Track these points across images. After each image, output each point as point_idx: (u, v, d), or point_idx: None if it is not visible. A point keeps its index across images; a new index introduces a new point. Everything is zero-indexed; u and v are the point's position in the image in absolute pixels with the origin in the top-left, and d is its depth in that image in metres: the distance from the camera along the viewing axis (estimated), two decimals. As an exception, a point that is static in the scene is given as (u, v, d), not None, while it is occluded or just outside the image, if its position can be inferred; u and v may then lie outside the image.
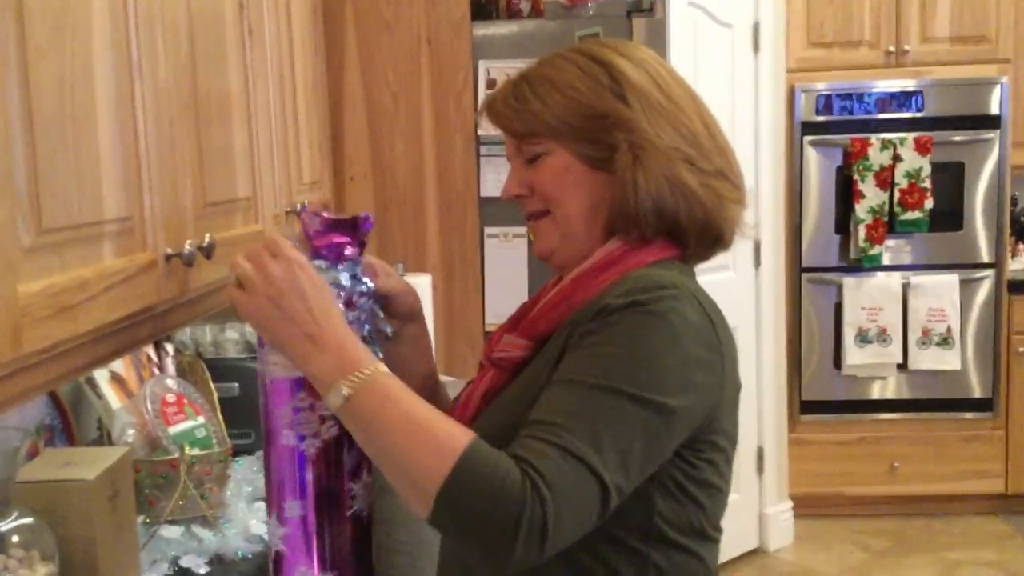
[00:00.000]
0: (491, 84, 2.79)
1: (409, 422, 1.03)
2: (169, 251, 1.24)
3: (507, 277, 2.84)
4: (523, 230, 2.84)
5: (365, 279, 1.20)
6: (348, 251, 1.18)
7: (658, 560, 1.14)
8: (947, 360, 4.21)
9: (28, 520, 1.28)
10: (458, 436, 1.02)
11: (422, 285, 2.50)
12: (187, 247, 1.26)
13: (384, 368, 1.08)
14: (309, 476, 1.15)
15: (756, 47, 3.96)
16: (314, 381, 1.09)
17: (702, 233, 1.21)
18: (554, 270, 1.28)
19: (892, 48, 4.21)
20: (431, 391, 1.33)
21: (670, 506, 1.13)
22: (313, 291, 1.09)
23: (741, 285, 3.91)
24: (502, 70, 2.79)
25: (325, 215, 1.21)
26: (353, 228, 1.19)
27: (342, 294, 1.16)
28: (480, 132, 2.80)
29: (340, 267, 1.18)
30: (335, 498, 1.16)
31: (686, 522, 1.15)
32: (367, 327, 1.18)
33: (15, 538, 1.26)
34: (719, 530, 1.21)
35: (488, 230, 2.85)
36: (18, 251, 0.91)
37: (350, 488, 1.16)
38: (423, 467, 1.01)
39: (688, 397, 1.08)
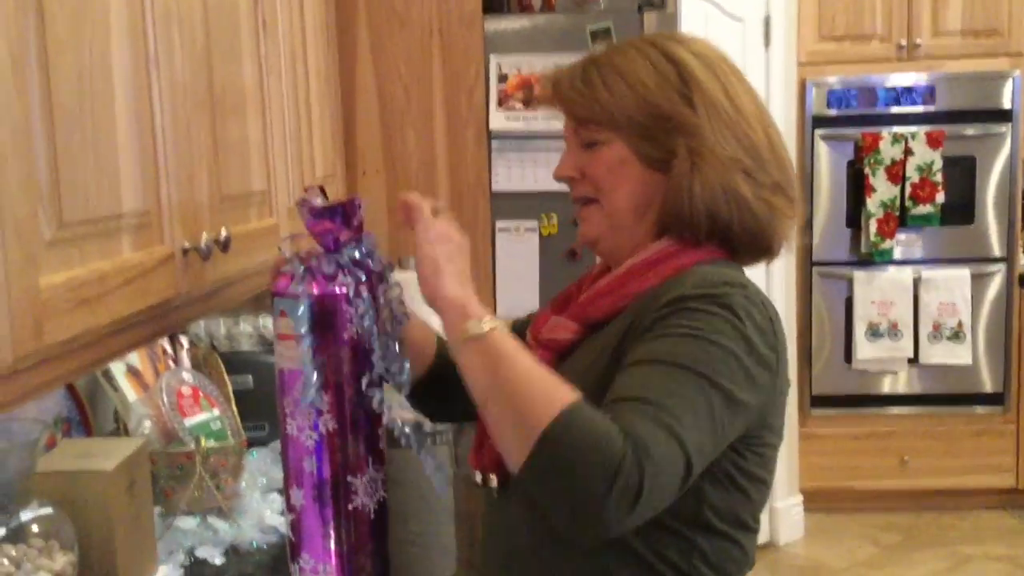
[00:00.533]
0: (503, 78, 2.80)
1: (528, 369, 1.06)
2: (186, 245, 1.25)
3: (518, 270, 2.85)
4: (534, 224, 2.85)
5: (369, 259, 1.20)
6: (343, 236, 1.19)
7: (703, 546, 1.16)
8: (958, 354, 4.21)
9: (48, 510, 1.30)
10: (568, 392, 1.03)
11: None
12: (204, 241, 1.27)
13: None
14: (308, 466, 1.16)
15: (767, 41, 3.96)
16: (455, 309, 1.10)
17: (752, 243, 1.24)
18: (597, 255, 1.31)
19: (904, 42, 4.20)
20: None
21: (719, 496, 1.15)
22: (467, 262, 1.16)
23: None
24: (514, 64, 2.80)
25: (317, 202, 1.21)
26: (344, 214, 1.19)
27: (348, 278, 1.17)
28: (492, 127, 2.80)
29: (340, 253, 1.18)
30: (335, 490, 1.16)
31: (732, 513, 1.17)
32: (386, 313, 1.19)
33: (35, 528, 1.27)
34: (758, 522, 1.23)
35: (499, 224, 2.86)
36: (40, 244, 0.92)
37: (351, 482, 1.16)
38: (531, 408, 1.01)
39: (752, 394, 1.11)
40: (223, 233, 1.33)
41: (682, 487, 1.04)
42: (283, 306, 1.15)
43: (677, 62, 1.21)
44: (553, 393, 1.02)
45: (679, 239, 1.21)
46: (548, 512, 1.03)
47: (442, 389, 1.35)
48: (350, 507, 1.17)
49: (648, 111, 1.19)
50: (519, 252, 2.85)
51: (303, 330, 1.13)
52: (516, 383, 1.04)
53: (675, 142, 1.19)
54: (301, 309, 1.14)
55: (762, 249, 1.26)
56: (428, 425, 1.55)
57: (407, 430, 1.20)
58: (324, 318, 1.15)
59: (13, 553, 1.25)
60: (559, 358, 1.23)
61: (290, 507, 1.19)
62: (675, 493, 1.04)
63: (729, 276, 1.17)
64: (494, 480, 1.24)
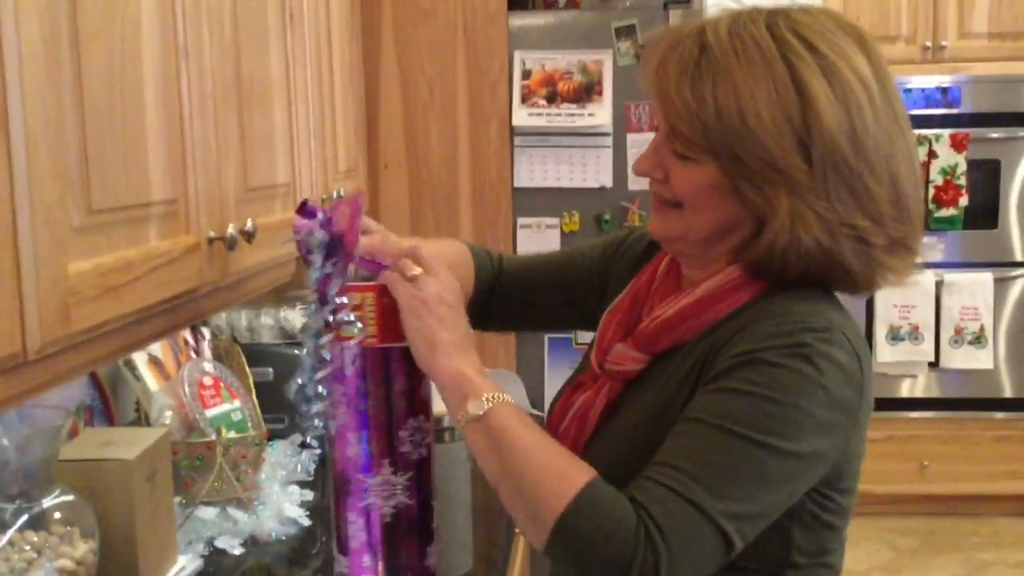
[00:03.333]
0: (526, 74, 2.79)
1: (536, 449, 1.03)
2: (212, 234, 1.25)
3: (539, 267, 2.84)
4: (556, 220, 2.84)
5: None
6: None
7: None
8: (979, 359, 4.17)
9: (69, 497, 1.30)
10: (580, 472, 1.01)
11: (455, 274, 2.50)
12: (229, 231, 1.27)
13: (514, 399, 1.08)
14: (331, 459, 1.16)
15: (792, 41, 3.94)
16: (454, 388, 1.07)
17: (844, 291, 1.13)
18: (666, 250, 1.22)
19: (929, 43, 4.17)
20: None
21: (806, 536, 1.10)
22: (464, 321, 1.11)
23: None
24: (537, 60, 2.79)
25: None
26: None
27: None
28: (515, 122, 2.80)
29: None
30: (346, 486, 1.15)
31: (820, 547, 1.12)
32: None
33: (57, 515, 1.28)
34: (843, 542, 1.17)
35: (521, 220, 2.86)
36: (69, 230, 0.92)
37: (360, 479, 1.14)
38: (542, 497, 1.00)
39: (828, 439, 1.03)
40: (249, 224, 1.33)
41: (728, 555, 1.00)
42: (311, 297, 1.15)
43: (805, 96, 1.02)
44: (562, 479, 1.00)
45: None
46: None
47: (489, 305, 1.36)
48: (360, 505, 1.15)
49: (757, 155, 1.03)
50: (540, 248, 2.84)
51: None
52: (523, 469, 1.01)
53: (778, 196, 1.03)
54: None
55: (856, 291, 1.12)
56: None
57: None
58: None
59: (35, 539, 1.25)
60: (626, 385, 1.17)
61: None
62: (718, 563, 1.00)
63: (812, 318, 1.04)
64: None
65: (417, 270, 1.11)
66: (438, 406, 1.15)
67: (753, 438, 0.99)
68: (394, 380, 1.13)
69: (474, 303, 1.35)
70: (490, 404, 1.04)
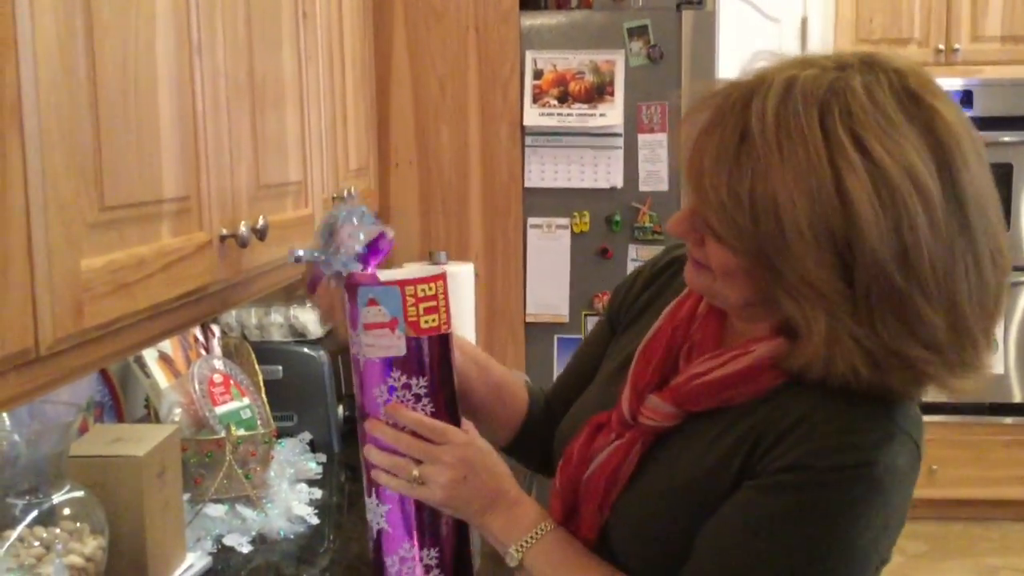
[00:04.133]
0: (538, 74, 2.79)
1: None
2: (224, 232, 1.25)
3: (549, 267, 2.84)
4: (566, 221, 2.83)
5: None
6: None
7: None
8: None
9: (79, 494, 1.30)
10: None
11: (464, 273, 2.50)
12: (242, 228, 1.27)
13: (551, 524, 1.13)
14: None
15: (804, 42, 3.94)
16: (491, 540, 1.15)
17: None
18: None
19: (942, 46, 4.15)
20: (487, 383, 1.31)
21: None
22: (483, 461, 1.13)
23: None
24: (549, 60, 2.79)
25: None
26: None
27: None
28: (526, 122, 2.79)
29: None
30: None
31: None
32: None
33: (66, 511, 1.28)
34: None
35: (531, 220, 2.85)
36: (82, 227, 0.93)
37: None
38: None
39: (887, 539, 1.00)
40: (261, 221, 1.33)
41: None
42: (372, 295, 1.13)
43: (850, 211, 0.91)
44: None
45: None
46: None
47: (537, 445, 1.34)
48: None
49: (793, 269, 0.93)
50: (550, 249, 2.84)
51: (400, 316, 1.12)
52: None
53: (815, 313, 0.94)
54: (394, 296, 1.12)
55: None
56: None
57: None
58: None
59: (44, 535, 1.25)
60: (657, 437, 1.10)
61: (383, 498, 1.17)
62: None
63: (875, 421, 0.97)
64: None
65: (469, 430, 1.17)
66: None
67: (814, 571, 0.97)
68: (454, 361, 1.17)
69: (532, 437, 1.35)
70: (520, 553, 1.12)
